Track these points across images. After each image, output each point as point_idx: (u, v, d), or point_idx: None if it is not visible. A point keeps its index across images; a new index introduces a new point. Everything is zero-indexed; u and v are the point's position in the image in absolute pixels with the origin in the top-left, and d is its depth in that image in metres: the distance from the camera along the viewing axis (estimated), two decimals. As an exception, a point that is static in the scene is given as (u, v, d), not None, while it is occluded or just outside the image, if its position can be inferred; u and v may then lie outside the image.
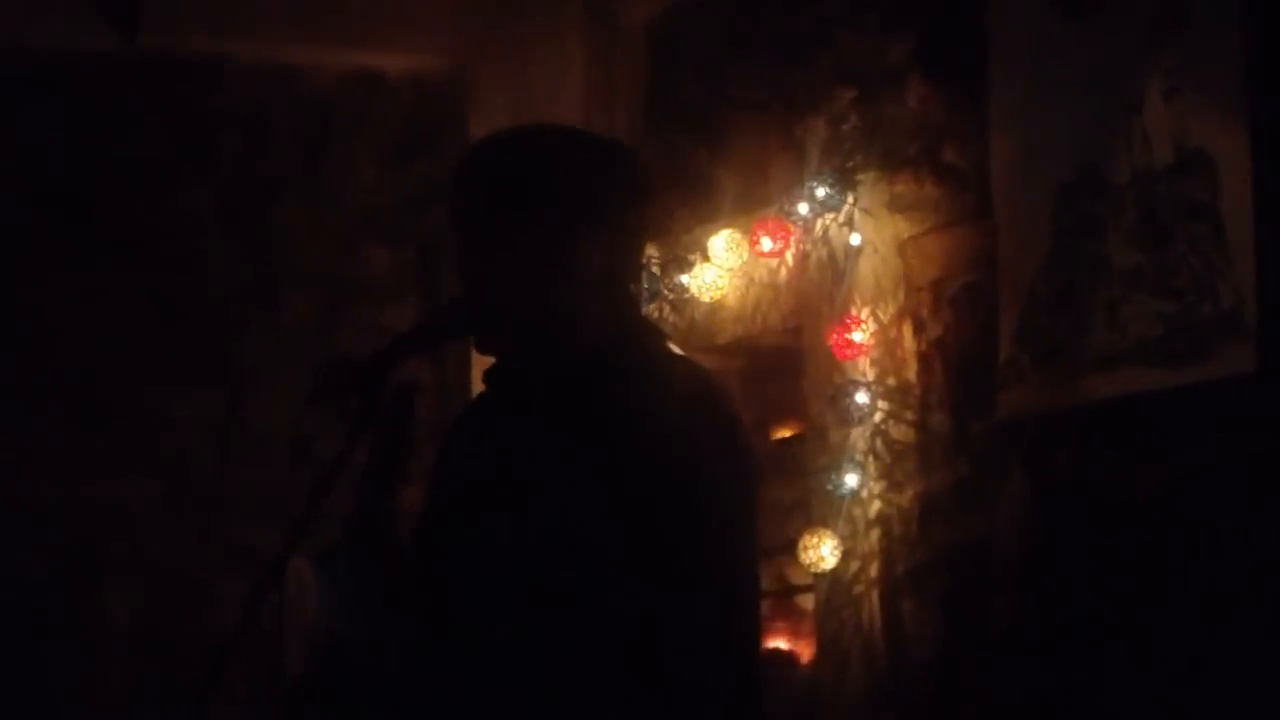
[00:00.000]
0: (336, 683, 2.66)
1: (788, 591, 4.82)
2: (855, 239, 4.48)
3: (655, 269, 4.88)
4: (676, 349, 2.72)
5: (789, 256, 4.69)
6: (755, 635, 2.64)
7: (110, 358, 5.53)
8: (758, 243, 4.68)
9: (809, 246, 4.62)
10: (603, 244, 2.63)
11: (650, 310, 4.89)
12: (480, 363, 2.75)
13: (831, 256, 4.55)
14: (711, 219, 4.90)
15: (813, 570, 4.44)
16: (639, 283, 2.82)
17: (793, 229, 4.63)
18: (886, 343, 4.39)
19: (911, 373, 4.34)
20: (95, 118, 5.60)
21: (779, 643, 4.82)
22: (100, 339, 5.52)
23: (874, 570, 4.37)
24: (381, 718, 2.61)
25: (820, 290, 4.59)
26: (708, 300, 4.86)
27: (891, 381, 4.37)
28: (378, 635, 2.58)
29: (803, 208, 4.58)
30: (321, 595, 2.63)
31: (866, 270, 4.46)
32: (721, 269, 4.81)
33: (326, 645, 2.69)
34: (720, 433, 2.59)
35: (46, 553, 5.41)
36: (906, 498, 4.33)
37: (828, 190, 4.52)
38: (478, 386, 2.77)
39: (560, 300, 2.62)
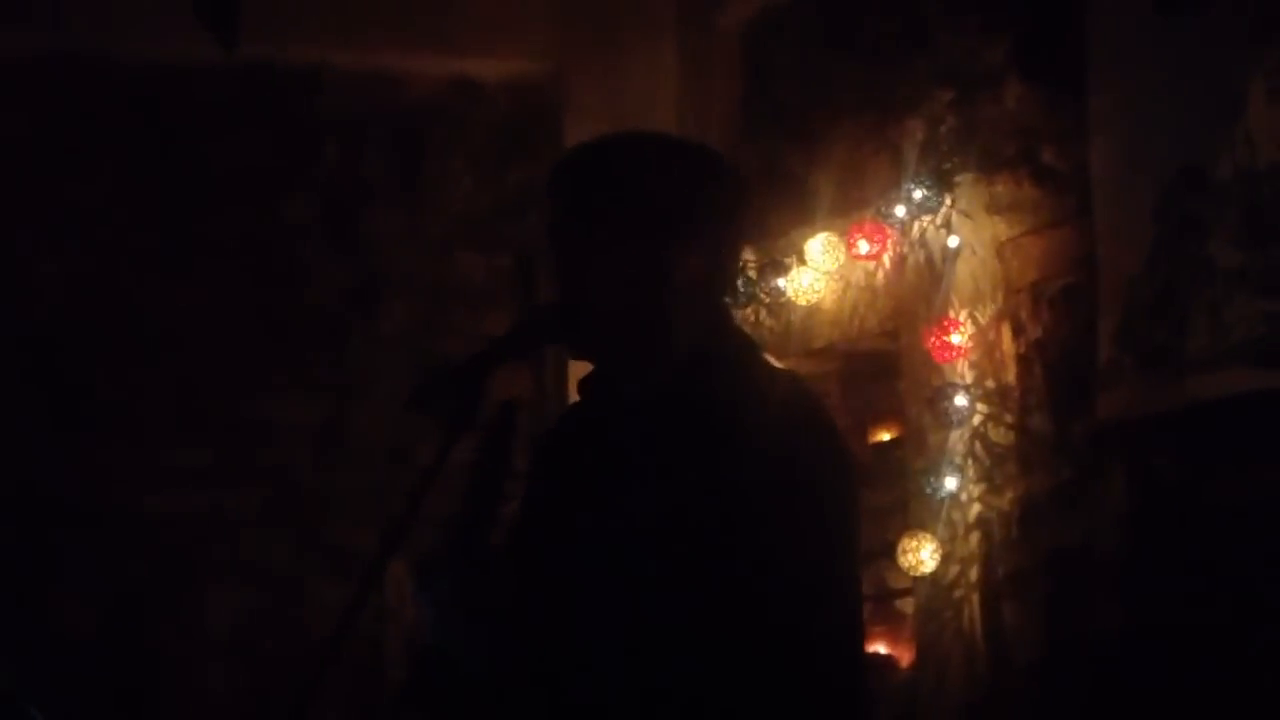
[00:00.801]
0: (436, 693, 2.66)
1: (887, 595, 4.80)
2: (953, 241, 4.46)
3: (752, 273, 4.87)
4: (771, 359, 2.71)
5: (886, 259, 4.67)
6: (859, 643, 2.63)
7: (211, 366, 5.57)
8: (854, 246, 4.67)
9: (906, 249, 4.60)
10: (696, 251, 2.62)
11: (746, 314, 4.89)
12: (577, 371, 2.75)
13: (929, 259, 4.53)
14: (808, 222, 4.89)
15: (912, 573, 4.42)
16: (733, 292, 2.79)
17: (890, 231, 4.62)
18: (985, 345, 4.37)
19: (1010, 375, 4.31)
20: (196, 127, 5.65)
21: (878, 646, 4.80)
22: (201, 347, 5.57)
23: (974, 574, 4.34)
24: None
25: (918, 293, 4.57)
26: (804, 304, 4.85)
27: (990, 384, 4.35)
28: (476, 648, 2.58)
29: (900, 210, 4.56)
30: (418, 607, 2.62)
31: (964, 272, 4.44)
32: (818, 272, 4.80)
33: (425, 654, 2.69)
34: (819, 442, 2.58)
35: (149, 560, 5.46)
36: (1006, 500, 4.30)
37: (925, 192, 4.50)
38: (575, 395, 2.77)
39: (653, 307, 2.62)
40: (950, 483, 4.37)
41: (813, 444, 2.55)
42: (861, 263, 4.72)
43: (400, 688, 2.74)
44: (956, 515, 4.37)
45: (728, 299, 2.74)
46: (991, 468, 4.34)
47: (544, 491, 2.70)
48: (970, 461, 4.36)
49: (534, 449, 2.76)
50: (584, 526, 2.58)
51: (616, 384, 2.66)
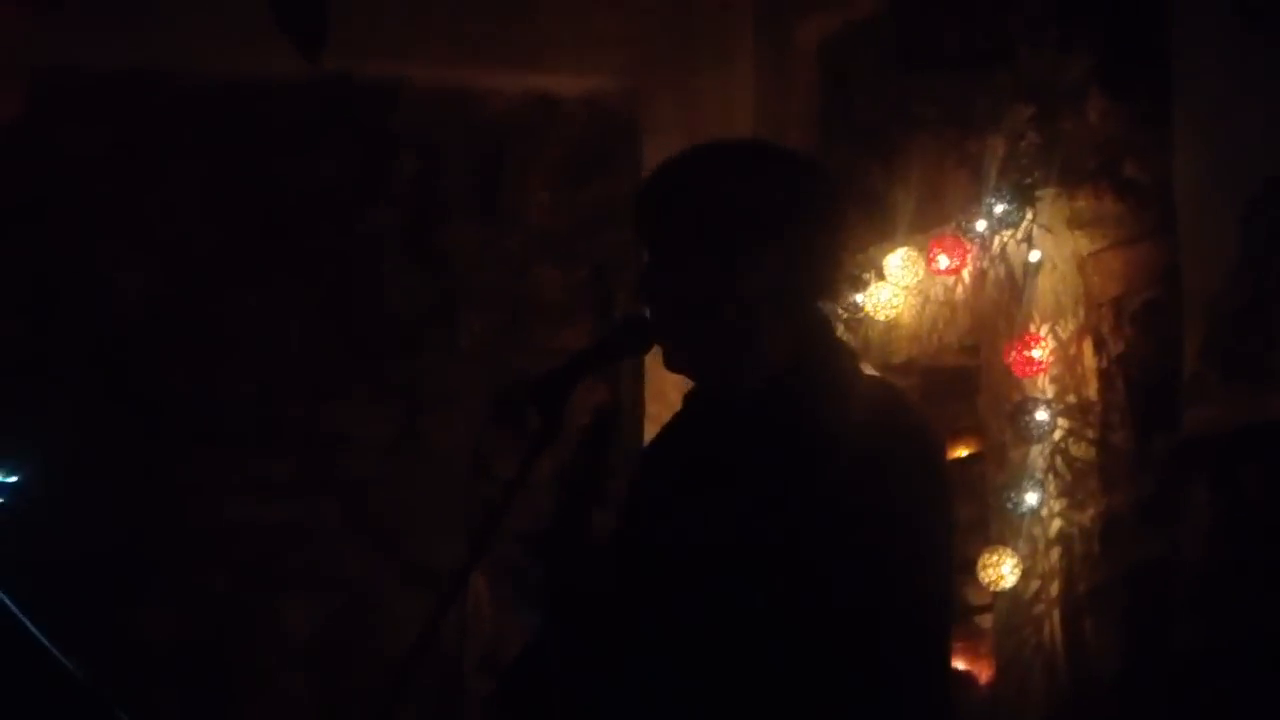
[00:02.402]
0: (528, 703, 2.66)
1: (967, 611, 4.77)
2: (1034, 256, 4.43)
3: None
4: (868, 368, 2.70)
5: (966, 274, 4.65)
6: (947, 652, 2.62)
7: (290, 378, 5.60)
8: (934, 260, 4.65)
9: (986, 264, 4.58)
10: (787, 255, 2.62)
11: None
12: (654, 384, 2.76)
13: (1009, 274, 4.51)
14: (887, 237, 4.88)
15: (992, 589, 4.40)
16: (833, 300, 2.76)
17: (970, 246, 4.60)
18: (1066, 360, 4.35)
19: (1092, 390, 4.29)
20: (274, 141, 5.68)
21: (957, 663, 4.78)
22: (280, 360, 5.60)
23: (1054, 589, 4.32)
24: None
25: (998, 308, 4.55)
26: (883, 319, 4.84)
27: (1071, 399, 4.33)
28: (572, 653, 2.58)
29: (980, 225, 4.55)
30: (515, 613, 2.64)
31: (1046, 287, 4.42)
32: (897, 287, 4.78)
33: (513, 666, 2.69)
34: (914, 453, 2.57)
35: (227, 571, 5.49)
36: (1088, 516, 4.27)
37: (1006, 207, 4.48)
38: (651, 406, 2.78)
39: (743, 316, 2.62)
40: (1031, 498, 4.35)
41: (907, 453, 2.55)
42: (941, 278, 4.70)
43: (487, 699, 2.74)
44: (1037, 531, 4.35)
45: (826, 305, 2.72)
46: (1073, 483, 4.31)
47: (645, 499, 2.69)
48: (1051, 477, 4.34)
49: (638, 458, 2.76)
50: (679, 534, 2.57)
51: (714, 393, 2.66)
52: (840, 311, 4.87)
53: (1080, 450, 4.30)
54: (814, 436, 2.52)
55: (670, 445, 2.74)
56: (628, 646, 2.55)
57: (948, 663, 2.61)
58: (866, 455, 2.49)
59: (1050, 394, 4.36)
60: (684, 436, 2.71)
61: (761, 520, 2.48)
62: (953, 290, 4.72)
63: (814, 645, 2.44)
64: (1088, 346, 4.31)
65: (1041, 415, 4.33)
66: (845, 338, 4.85)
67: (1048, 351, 4.36)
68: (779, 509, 2.47)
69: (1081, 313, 4.34)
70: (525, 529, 2.65)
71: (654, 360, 2.79)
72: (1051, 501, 4.34)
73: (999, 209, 4.49)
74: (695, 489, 2.59)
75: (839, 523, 2.46)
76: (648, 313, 2.70)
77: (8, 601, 2.60)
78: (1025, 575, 4.34)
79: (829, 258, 2.70)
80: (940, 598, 2.57)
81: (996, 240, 4.54)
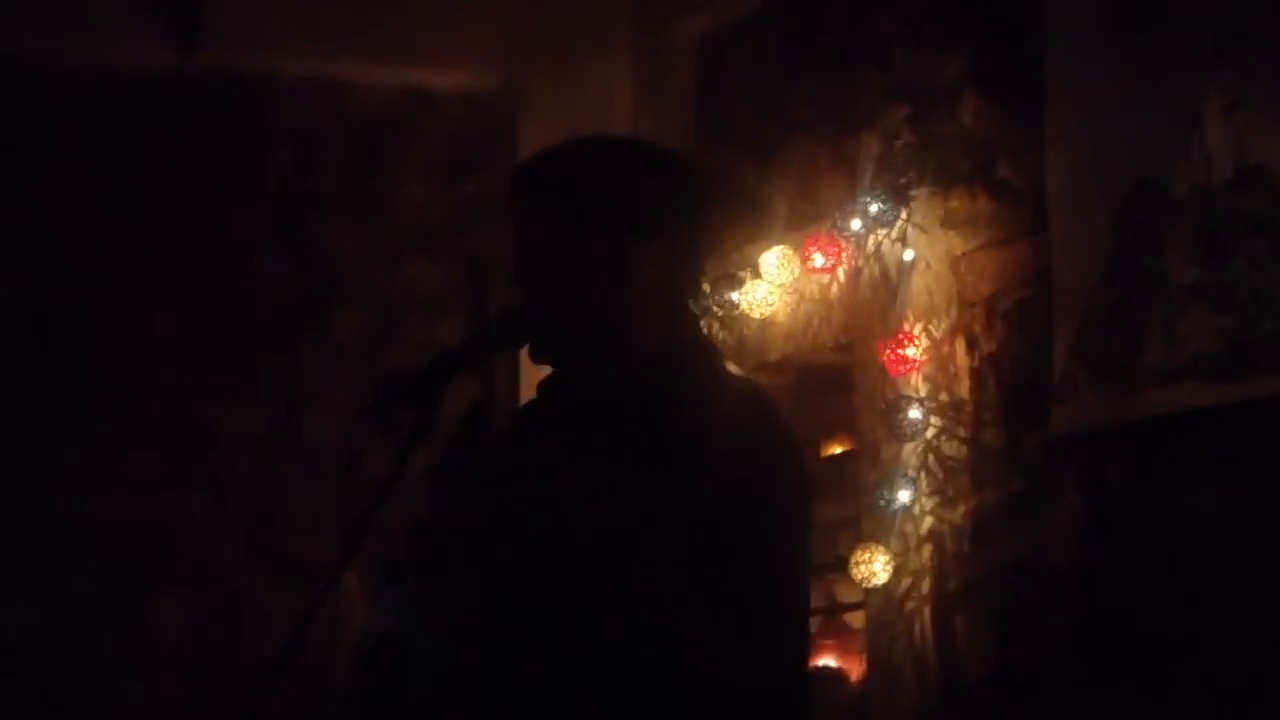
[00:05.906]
0: (379, 695, 2.64)
1: (837, 609, 4.80)
2: (908, 255, 4.46)
3: (706, 286, 4.87)
4: (732, 366, 2.71)
5: (841, 273, 4.67)
6: (804, 653, 2.62)
7: (161, 373, 5.54)
8: (809, 259, 4.67)
9: (861, 262, 4.60)
10: (653, 250, 2.63)
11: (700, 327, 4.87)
12: (529, 378, 2.75)
13: (884, 273, 4.53)
14: (762, 235, 4.89)
15: (864, 585, 4.42)
16: (695, 297, 2.79)
17: (844, 245, 4.62)
18: (939, 359, 4.38)
19: (964, 389, 4.32)
20: (147, 134, 5.62)
21: (828, 660, 4.80)
22: (151, 354, 5.54)
23: (926, 586, 4.34)
24: None
25: (872, 306, 4.57)
26: (758, 317, 4.85)
27: (944, 397, 4.35)
28: (433, 651, 2.57)
29: (855, 224, 4.56)
30: (385, 605, 2.61)
31: (919, 286, 4.44)
32: (773, 285, 4.79)
33: (369, 656, 2.68)
34: (773, 450, 2.58)
35: (96, 567, 5.42)
36: (959, 514, 4.30)
37: (881, 206, 4.50)
38: (527, 399, 2.77)
39: (610, 310, 2.62)
40: (903, 495, 4.37)
41: (765, 451, 2.55)
42: (816, 276, 4.72)
43: (344, 690, 2.73)
44: (909, 528, 4.37)
45: (690, 301, 2.74)
46: (945, 481, 4.34)
47: (497, 493, 2.68)
48: (923, 474, 4.37)
49: (487, 450, 2.75)
50: (533, 532, 2.56)
51: (574, 385, 2.66)
52: (715, 309, 4.88)
53: (952, 448, 4.33)
54: (673, 435, 2.52)
55: (524, 436, 2.72)
56: (481, 635, 2.53)
57: (802, 665, 2.61)
58: (726, 456, 2.49)
59: (923, 392, 4.38)
60: (538, 427, 2.70)
61: (613, 519, 2.47)
62: (827, 289, 4.74)
63: (657, 652, 2.43)
64: (960, 345, 4.34)
65: (914, 413, 4.35)
66: (718, 336, 4.90)
67: (921, 350, 4.39)
68: (631, 508, 2.46)
69: (954, 312, 4.37)
70: (410, 518, 2.64)
71: (528, 355, 2.78)
72: (923, 499, 4.37)
73: (874, 208, 4.51)
74: (546, 485, 2.57)
75: (692, 523, 2.45)
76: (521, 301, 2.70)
77: None
78: (897, 572, 4.37)
79: (695, 254, 2.72)
80: (789, 594, 2.56)
81: (871, 239, 4.56)
